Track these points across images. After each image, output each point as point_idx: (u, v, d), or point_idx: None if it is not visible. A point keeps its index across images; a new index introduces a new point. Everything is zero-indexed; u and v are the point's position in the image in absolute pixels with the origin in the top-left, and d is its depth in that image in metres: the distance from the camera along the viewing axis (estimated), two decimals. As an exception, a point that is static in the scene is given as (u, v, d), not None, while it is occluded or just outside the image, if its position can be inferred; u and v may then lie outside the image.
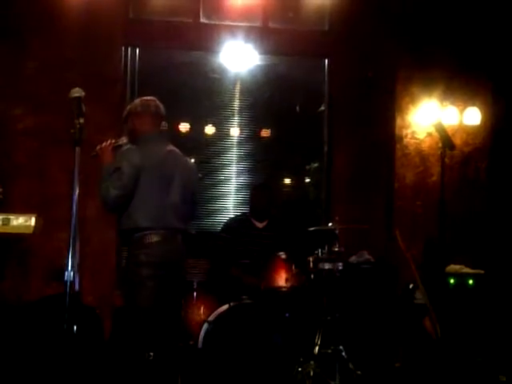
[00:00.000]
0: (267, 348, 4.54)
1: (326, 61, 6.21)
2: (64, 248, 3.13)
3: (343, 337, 4.60)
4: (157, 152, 4.02)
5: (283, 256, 4.88)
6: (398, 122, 6.03)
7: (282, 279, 4.79)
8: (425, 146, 6.02)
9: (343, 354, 4.49)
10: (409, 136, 6.03)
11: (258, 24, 6.04)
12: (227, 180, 6.13)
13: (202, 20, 5.96)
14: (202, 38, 5.94)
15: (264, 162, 6.18)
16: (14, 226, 3.98)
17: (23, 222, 4.03)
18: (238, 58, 6.04)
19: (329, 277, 4.69)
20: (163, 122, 4.27)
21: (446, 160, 4.69)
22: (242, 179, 6.12)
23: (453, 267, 5.39)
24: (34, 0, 5.57)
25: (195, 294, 4.87)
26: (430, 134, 5.95)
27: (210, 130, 6.14)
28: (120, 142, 4.06)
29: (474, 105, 6.02)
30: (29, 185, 5.43)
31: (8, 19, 5.48)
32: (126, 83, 5.88)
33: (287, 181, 6.46)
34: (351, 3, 5.93)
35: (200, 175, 5.03)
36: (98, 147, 4.02)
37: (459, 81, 6.03)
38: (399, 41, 5.94)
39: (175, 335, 4.06)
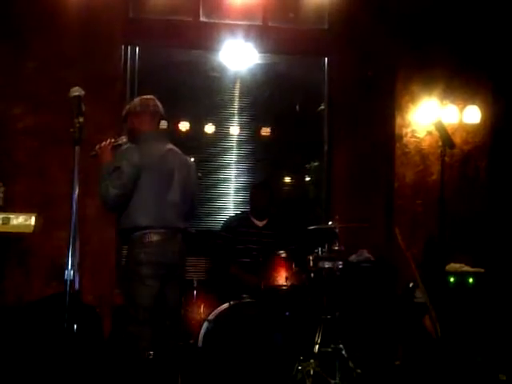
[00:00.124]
0: (267, 347, 4.54)
1: (326, 60, 6.20)
2: (64, 247, 3.13)
3: (343, 335, 4.59)
4: (156, 151, 4.02)
5: (283, 255, 4.88)
6: (398, 120, 6.02)
7: (282, 278, 4.79)
8: (425, 144, 6.01)
9: (343, 352, 4.49)
10: (409, 135, 6.02)
11: (257, 23, 6.04)
12: (227, 179, 6.12)
13: (202, 19, 5.96)
14: (202, 37, 5.94)
15: (264, 161, 6.17)
16: (14, 225, 3.99)
17: (23, 221, 4.04)
18: (238, 56, 6.03)
19: (329, 275, 4.69)
20: (163, 121, 4.27)
21: (446, 159, 4.71)
22: (241, 178, 6.12)
23: (453, 266, 5.39)
24: (34, 0, 5.58)
25: (195, 292, 4.87)
26: (429, 133, 5.94)
27: (209, 128, 6.13)
28: (120, 141, 4.05)
29: (473, 103, 6.01)
30: (29, 184, 5.42)
31: (8, 19, 5.48)
32: (126, 82, 5.87)
33: (287, 180, 6.45)
34: (351, 2, 5.92)
35: (200, 174, 5.03)
36: (98, 146, 4.01)
37: (459, 80, 6.02)
38: (399, 39, 5.93)
39: (175, 334, 4.05)
